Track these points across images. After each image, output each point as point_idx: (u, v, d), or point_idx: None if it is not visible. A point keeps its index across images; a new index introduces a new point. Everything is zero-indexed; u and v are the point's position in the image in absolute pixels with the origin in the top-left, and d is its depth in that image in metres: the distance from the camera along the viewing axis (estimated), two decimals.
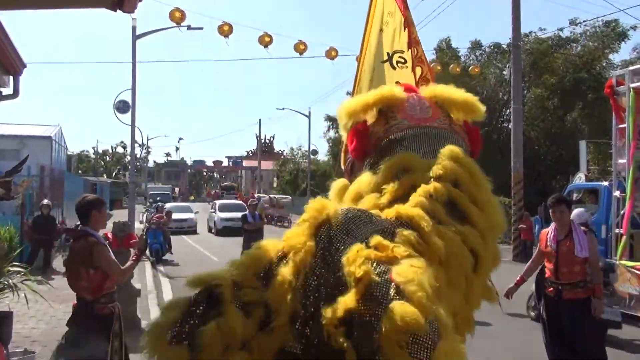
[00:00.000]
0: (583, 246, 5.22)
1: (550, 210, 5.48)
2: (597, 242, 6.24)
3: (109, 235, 7.43)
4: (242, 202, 29.23)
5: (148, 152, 68.65)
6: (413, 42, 7.30)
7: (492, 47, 26.79)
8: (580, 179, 12.85)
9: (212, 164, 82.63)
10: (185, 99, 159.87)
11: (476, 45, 27.31)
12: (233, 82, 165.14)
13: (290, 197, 38.89)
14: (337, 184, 2.92)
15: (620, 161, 8.83)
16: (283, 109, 44.83)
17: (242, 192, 57.11)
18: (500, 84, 27.02)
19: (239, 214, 16.04)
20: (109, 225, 8.76)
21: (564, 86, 24.73)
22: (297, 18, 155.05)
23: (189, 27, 17.68)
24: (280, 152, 66.75)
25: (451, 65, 20.61)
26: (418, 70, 6.52)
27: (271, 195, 38.14)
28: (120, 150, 78.87)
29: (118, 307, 4.41)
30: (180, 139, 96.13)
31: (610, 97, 8.73)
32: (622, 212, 8.62)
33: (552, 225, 5.50)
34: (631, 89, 8.53)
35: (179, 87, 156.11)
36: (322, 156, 48.85)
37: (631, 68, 9.42)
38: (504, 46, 23.99)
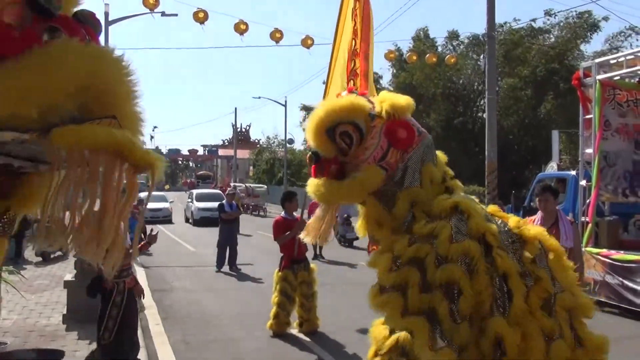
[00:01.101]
0: (568, 236, 5.35)
1: (537, 199, 5.63)
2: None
3: None
4: (220, 192, 29.12)
5: None
6: (354, 35, 7.45)
7: (469, 38, 27.05)
8: (552, 168, 13.18)
9: (187, 153, 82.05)
10: (159, 87, 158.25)
11: (453, 35, 27.57)
12: (209, 70, 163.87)
13: (266, 187, 38.92)
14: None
15: (587, 151, 9.11)
16: (259, 97, 44.96)
17: (224, 181, 56.65)
18: (476, 74, 27.32)
19: (216, 204, 15.91)
20: None
21: (537, 77, 25.12)
22: (273, 6, 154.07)
23: (163, 14, 17.55)
24: (256, 141, 66.54)
25: (427, 55, 20.76)
26: (351, 63, 6.78)
27: (247, 185, 38.09)
28: None
29: (124, 282, 5.13)
30: (155, 127, 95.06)
31: (578, 89, 8.98)
32: (587, 200, 8.92)
33: (539, 213, 5.62)
34: (597, 81, 8.80)
35: (153, 75, 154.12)
36: (299, 145, 48.80)
37: (597, 60, 9.71)
38: (481, 37, 24.25)
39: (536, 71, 25.18)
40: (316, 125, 3.68)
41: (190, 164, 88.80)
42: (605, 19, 24.44)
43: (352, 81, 6.59)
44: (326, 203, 3.95)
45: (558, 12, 25.20)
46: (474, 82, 27.58)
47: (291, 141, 46.11)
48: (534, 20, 25.45)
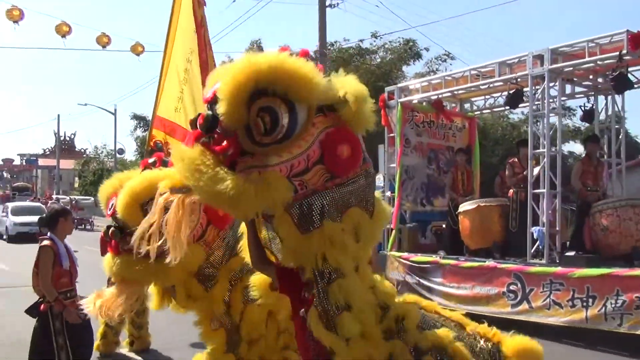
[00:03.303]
0: None
1: None
2: None
3: None
4: (41, 205, 27.45)
5: None
6: (204, 44, 8.03)
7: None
8: (378, 179, 14.69)
9: (1, 162, 75.52)
10: None
11: (285, 50, 29.01)
12: (26, 73, 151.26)
13: (92, 199, 37.29)
14: None
15: (391, 165, 10.54)
16: (85, 104, 43.39)
17: (45, 193, 52.86)
18: None
19: (35, 218, 15.14)
20: None
21: (371, 93, 27.35)
22: (99, 9, 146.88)
23: None
24: (82, 150, 63.21)
25: None
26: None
27: (71, 197, 36.24)
28: None
29: (63, 305, 4.80)
30: None
31: (382, 110, 10.35)
32: (391, 209, 10.30)
33: None
34: (399, 103, 10.25)
35: None
36: (130, 155, 47.32)
37: (399, 85, 11.25)
38: (312, 54, 25.87)
39: (370, 88, 27.44)
40: (131, 198, 3.44)
41: (4, 174, 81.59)
42: (427, 49, 27.46)
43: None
44: (136, 284, 3.69)
45: (383, 34, 27.71)
46: None
47: (121, 151, 44.53)
48: (361, 40, 27.69)
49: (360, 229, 2.46)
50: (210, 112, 2.33)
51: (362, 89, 2.47)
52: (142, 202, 3.40)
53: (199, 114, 2.36)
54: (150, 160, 4.18)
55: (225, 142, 2.30)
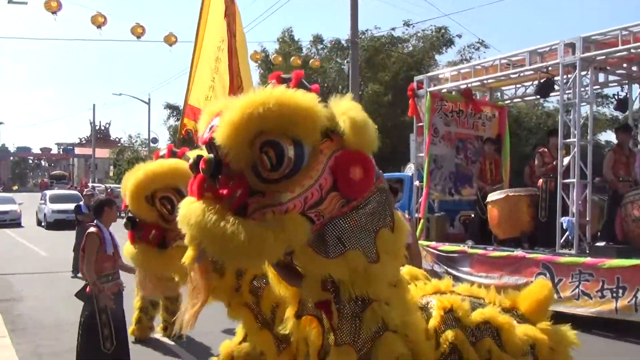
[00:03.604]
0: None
1: None
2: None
3: None
4: (77, 192, 28.16)
5: None
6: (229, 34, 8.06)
7: (333, 42, 28.66)
8: (410, 168, 14.68)
9: (39, 152, 77.45)
10: (5, 81, 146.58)
11: (317, 39, 29.03)
12: (64, 64, 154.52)
13: None
14: None
15: (420, 155, 10.57)
16: (120, 94, 44.05)
17: (81, 181, 53.96)
18: (340, 78, 29.00)
19: (72, 205, 15.28)
20: None
21: (398, 83, 27.26)
22: (136, 1, 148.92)
23: (10, 1, 16.96)
24: (117, 139, 64.45)
25: (292, 58, 21.84)
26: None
27: (107, 185, 37.06)
28: None
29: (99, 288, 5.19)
30: (1, 123, 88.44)
31: (411, 99, 10.38)
32: (420, 199, 10.37)
33: None
34: (428, 92, 10.25)
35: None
36: (163, 144, 48.13)
37: (429, 74, 11.24)
38: (344, 42, 25.86)
39: (397, 77, 27.29)
40: (136, 189, 3.56)
41: (43, 163, 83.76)
42: (459, 36, 27.15)
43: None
44: (149, 273, 3.78)
45: (416, 22, 27.55)
46: (339, 85, 29.26)
47: (155, 140, 45.33)
48: (393, 29, 27.56)
49: (386, 245, 2.34)
50: (212, 156, 2.19)
51: (359, 116, 2.30)
52: (147, 195, 3.57)
53: (199, 157, 2.23)
54: (161, 152, 4.37)
55: (232, 184, 2.17)
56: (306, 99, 2.20)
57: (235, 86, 7.58)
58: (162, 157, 4.16)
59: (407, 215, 7.10)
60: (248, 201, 2.16)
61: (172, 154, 4.13)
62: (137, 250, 3.62)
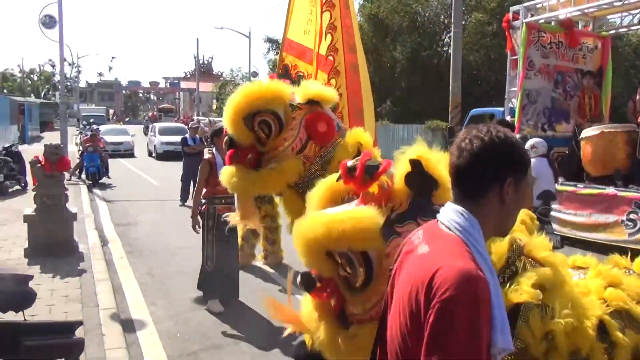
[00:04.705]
0: None
1: None
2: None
3: (41, 158, 7.97)
4: (183, 125, 29.29)
5: (79, 72, 66.85)
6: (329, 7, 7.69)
7: None
8: (512, 104, 14.46)
9: (148, 85, 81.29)
10: (117, 15, 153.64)
11: None
12: None
13: None
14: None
15: (512, 89, 10.44)
16: (222, 28, 45.19)
17: (185, 114, 56.39)
18: (442, 7, 28.10)
19: (179, 138, 16.00)
20: (40, 147, 9.26)
21: (505, 10, 25.90)
22: None
23: None
24: (219, 73, 66.34)
25: None
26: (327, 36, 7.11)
27: (211, 118, 38.76)
28: (48, 68, 76.15)
29: (217, 208, 5.90)
30: (113, 57, 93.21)
31: (506, 31, 10.18)
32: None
33: None
34: (524, 23, 10.00)
35: (110, 2, 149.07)
36: (263, 78, 49.23)
37: (525, 4, 10.85)
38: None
39: (504, 4, 25.91)
40: (234, 112, 3.60)
41: (152, 96, 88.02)
42: None
43: (331, 56, 6.79)
44: (241, 193, 3.93)
45: None
46: (440, 15, 28.41)
47: (255, 74, 46.49)
48: None
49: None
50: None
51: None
52: (244, 116, 3.58)
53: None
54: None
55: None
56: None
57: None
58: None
59: None
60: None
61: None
62: (230, 171, 3.70)
